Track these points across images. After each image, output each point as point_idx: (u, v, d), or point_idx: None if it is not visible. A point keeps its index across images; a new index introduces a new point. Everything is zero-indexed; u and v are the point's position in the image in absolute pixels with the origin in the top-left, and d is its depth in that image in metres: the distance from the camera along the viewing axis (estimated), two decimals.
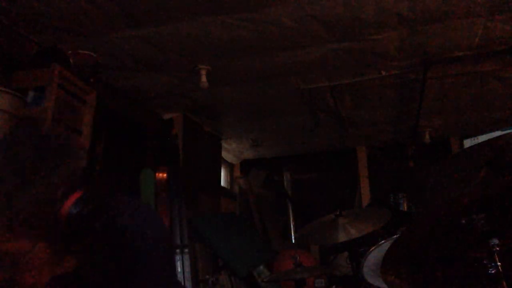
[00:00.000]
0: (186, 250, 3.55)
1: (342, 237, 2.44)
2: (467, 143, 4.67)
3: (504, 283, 1.32)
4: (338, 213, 2.56)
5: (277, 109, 4.04)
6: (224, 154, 5.20)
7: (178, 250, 3.52)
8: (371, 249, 2.31)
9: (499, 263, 1.33)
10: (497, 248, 1.33)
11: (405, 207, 3.69)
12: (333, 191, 5.23)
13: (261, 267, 4.20)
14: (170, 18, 2.49)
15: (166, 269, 1.09)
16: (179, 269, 3.49)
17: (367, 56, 3.02)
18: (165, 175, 3.65)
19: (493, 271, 1.35)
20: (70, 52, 2.66)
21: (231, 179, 5.57)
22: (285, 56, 2.97)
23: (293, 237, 5.17)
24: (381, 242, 2.31)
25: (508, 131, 3.26)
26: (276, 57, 2.99)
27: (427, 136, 4.57)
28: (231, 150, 5.29)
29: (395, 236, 2.31)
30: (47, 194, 0.94)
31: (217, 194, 4.71)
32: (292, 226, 5.22)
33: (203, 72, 3.08)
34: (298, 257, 2.57)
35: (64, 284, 0.99)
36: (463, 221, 1.34)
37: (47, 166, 0.95)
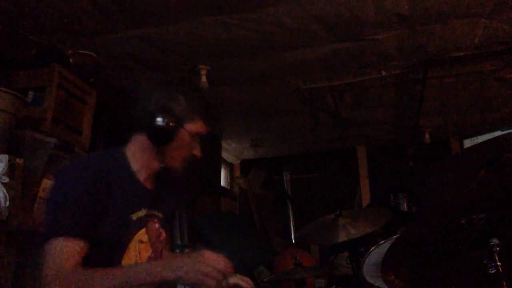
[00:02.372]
0: (186, 250, 3.54)
1: (342, 237, 2.43)
2: (467, 143, 4.67)
3: (504, 283, 1.32)
4: (338, 213, 2.56)
5: (277, 109, 4.04)
6: (224, 154, 5.20)
7: (178, 250, 3.52)
8: (371, 249, 2.31)
9: (499, 263, 1.33)
10: (497, 248, 1.33)
11: (405, 207, 3.68)
12: (333, 191, 5.23)
13: (261, 267, 4.20)
14: (170, 18, 2.49)
15: None
16: None
17: (367, 56, 3.02)
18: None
19: (493, 271, 1.35)
20: (70, 52, 2.66)
21: (231, 179, 5.57)
22: (285, 56, 2.97)
23: (293, 237, 5.17)
24: (381, 242, 2.30)
25: (508, 131, 3.26)
26: (276, 57, 2.99)
27: (427, 136, 4.57)
28: (231, 150, 5.29)
29: (395, 236, 2.31)
30: None
31: (217, 194, 4.71)
32: (292, 226, 5.21)
33: (203, 72, 3.08)
34: (298, 257, 2.57)
35: None
36: (463, 221, 1.34)
37: None
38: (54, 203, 1.32)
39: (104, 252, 1.35)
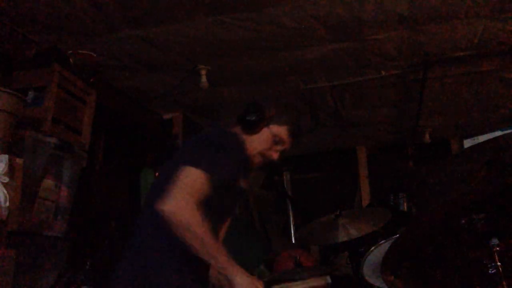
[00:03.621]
0: None
1: (342, 237, 2.43)
2: (467, 143, 4.67)
3: (504, 283, 1.32)
4: (338, 213, 2.56)
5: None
6: None
7: None
8: (371, 249, 2.31)
9: (499, 263, 1.33)
10: (497, 248, 1.33)
11: (405, 207, 3.68)
12: (333, 191, 5.22)
13: (261, 267, 4.20)
14: (170, 18, 2.49)
15: None
16: None
17: (367, 56, 3.02)
18: None
19: (493, 271, 1.35)
20: (70, 52, 2.66)
21: None
22: (285, 56, 2.97)
23: (293, 237, 5.16)
24: (381, 242, 2.31)
25: (508, 131, 3.26)
26: (276, 57, 2.99)
27: (427, 136, 4.57)
28: None
29: (395, 236, 2.31)
30: None
31: None
32: (292, 226, 5.21)
33: (203, 72, 3.08)
34: (298, 257, 2.57)
35: None
36: (463, 221, 1.34)
37: None
38: (204, 145, 1.56)
39: (218, 217, 1.59)
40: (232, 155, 1.57)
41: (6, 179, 1.92)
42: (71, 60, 2.60)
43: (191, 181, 1.41)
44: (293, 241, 5.15)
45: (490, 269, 1.36)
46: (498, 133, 3.79)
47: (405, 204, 3.69)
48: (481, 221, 1.33)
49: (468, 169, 1.55)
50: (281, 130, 1.76)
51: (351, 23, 2.58)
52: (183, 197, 1.38)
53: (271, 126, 1.74)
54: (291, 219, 5.24)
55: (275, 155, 1.78)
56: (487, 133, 4.27)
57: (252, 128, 1.71)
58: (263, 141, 1.73)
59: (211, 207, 1.49)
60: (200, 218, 1.37)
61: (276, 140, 1.76)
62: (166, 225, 1.37)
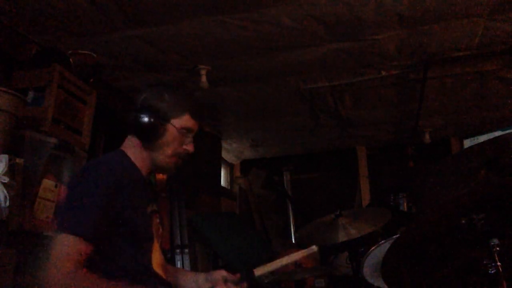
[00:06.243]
0: (186, 250, 3.54)
1: (342, 237, 2.43)
2: (467, 143, 4.67)
3: (504, 283, 1.32)
4: (338, 213, 2.56)
5: (277, 109, 4.04)
6: (224, 154, 5.20)
7: (178, 250, 3.52)
8: (371, 249, 2.31)
9: (499, 263, 1.33)
10: (497, 248, 1.33)
11: (405, 207, 3.68)
12: (333, 191, 5.22)
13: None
14: (170, 18, 2.49)
15: None
16: None
17: (367, 56, 3.02)
18: (165, 175, 3.65)
19: (493, 271, 1.35)
20: (70, 52, 2.66)
21: (231, 179, 5.57)
22: (285, 56, 2.97)
23: (293, 237, 5.16)
24: (381, 242, 2.30)
25: (508, 131, 3.26)
26: (276, 57, 2.99)
27: (427, 136, 4.57)
28: (231, 150, 5.29)
29: (395, 236, 2.31)
30: None
31: (217, 194, 4.71)
32: (292, 226, 5.22)
33: (203, 72, 3.08)
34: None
35: None
36: (463, 221, 1.34)
37: None
38: (69, 202, 1.35)
39: (135, 245, 1.40)
40: (98, 193, 1.33)
41: (6, 179, 1.92)
42: (71, 60, 2.60)
43: (62, 248, 1.25)
44: (293, 241, 5.16)
45: (490, 269, 1.36)
46: (498, 133, 3.79)
47: (405, 204, 3.69)
48: (481, 221, 1.33)
49: (468, 169, 1.55)
50: (184, 120, 1.52)
51: (351, 23, 2.58)
52: (55, 268, 1.22)
53: (172, 120, 1.50)
54: (291, 219, 5.24)
55: (190, 148, 1.54)
56: (487, 133, 4.26)
57: (152, 134, 1.48)
58: (172, 142, 1.50)
59: (130, 238, 1.38)
60: (76, 277, 1.22)
61: (184, 132, 1.52)
62: None
